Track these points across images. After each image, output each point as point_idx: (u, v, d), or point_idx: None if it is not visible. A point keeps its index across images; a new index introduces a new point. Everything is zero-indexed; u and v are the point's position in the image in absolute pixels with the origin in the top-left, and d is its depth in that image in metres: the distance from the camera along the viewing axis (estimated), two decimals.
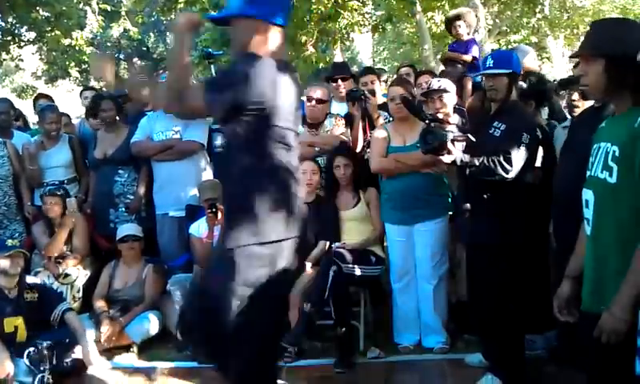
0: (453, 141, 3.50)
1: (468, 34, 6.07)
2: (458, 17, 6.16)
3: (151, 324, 4.50)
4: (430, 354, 4.11)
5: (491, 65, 3.56)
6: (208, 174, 5.11)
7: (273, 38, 2.34)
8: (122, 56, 22.46)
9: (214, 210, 4.45)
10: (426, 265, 4.16)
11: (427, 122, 3.70)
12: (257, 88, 2.21)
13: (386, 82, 5.97)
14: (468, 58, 5.74)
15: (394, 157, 4.14)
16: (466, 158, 3.48)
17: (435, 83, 4.21)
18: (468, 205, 3.82)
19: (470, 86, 5.22)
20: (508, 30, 18.02)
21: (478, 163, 3.44)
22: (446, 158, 3.56)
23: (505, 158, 3.38)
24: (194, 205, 4.83)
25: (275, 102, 2.26)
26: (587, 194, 2.13)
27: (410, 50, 19.85)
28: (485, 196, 3.54)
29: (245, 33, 2.34)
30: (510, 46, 15.40)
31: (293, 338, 4.06)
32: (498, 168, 3.38)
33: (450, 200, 4.28)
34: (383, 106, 4.71)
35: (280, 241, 2.32)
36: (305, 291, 4.11)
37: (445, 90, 4.11)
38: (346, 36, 14.77)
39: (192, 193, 4.93)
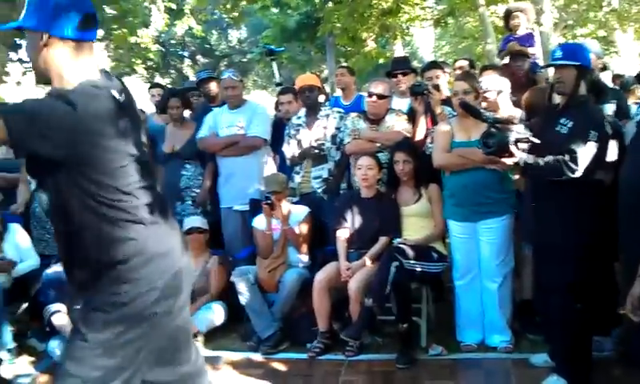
0: (516, 142, 3.43)
1: (526, 28, 5.99)
2: (518, 10, 6.08)
3: (216, 314, 4.62)
4: (494, 353, 4.04)
5: (560, 56, 3.48)
6: (271, 168, 5.20)
7: (65, 55, 1.96)
8: (185, 53, 22.98)
9: (268, 201, 4.54)
10: (491, 263, 4.10)
11: (488, 123, 3.64)
12: (51, 138, 1.82)
13: (449, 74, 5.91)
14: (533, 50, 5.64)
15: (458, 152, 4.10)
16: (530, 159, 3.41)
17: (483, 83, 4.18)
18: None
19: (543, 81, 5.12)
20: (574, 24, 17.49)
21: (542, 164, 3.36)
22: (509, 160, 3.50)
23: (571, 157, 3.29)
24: (258, 199, 4.92)
25: (85, 146, 1.86)
26: None
27: (472, 44, 19.54)
28: (551, 194, 3.47)
29: (32, 47, 1.99)
30: (576, 40, 14.95)
31: (354, 333, 4.09)
32: (564, 168, 3.29)
33: (515, 197, 4.21)
34: (448, 101, 4.66)
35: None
36: (365, 286, 4.13)
37: (487, 90, 4.06)
38: (406, 31, 14.69)
39: (256, 187, 5.05)
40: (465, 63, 6.00)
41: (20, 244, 4.66)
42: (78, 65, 1.98)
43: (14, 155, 1.97)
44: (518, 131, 3.46)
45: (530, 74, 5.17)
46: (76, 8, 1.97)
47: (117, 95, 1.98)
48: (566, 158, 3.29)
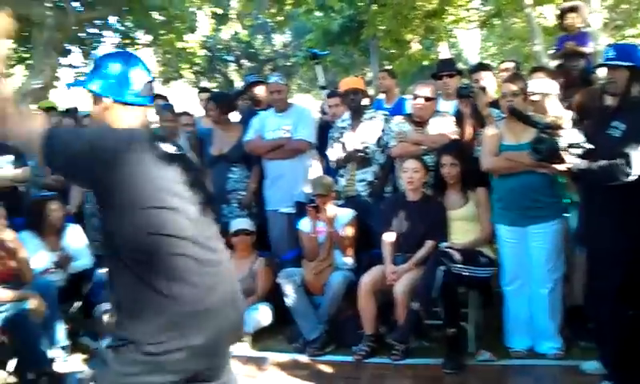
0: (568, 148, 3.36)
1: (580, 27, 5.87)
2: (572, 9, 5.97)
3: (263, 315, 4.67)
4: (544, 360, 3.97)
5: (613, 56, 3.40)
6: (316, 171, 5.22)
7: (122, 116, 2.18)
8: (231, 58, 23.25)
9: (313, 204, 4.58)
10: (541, 269, 4.02)
11: (538, 128, 3.58)
12: (107, 152, 1.98)
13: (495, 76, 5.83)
14: (589, 50, 5.52)
15: (507, 155, 4.04)
16: (583, 164, 3.34)
17: (529, 85, 4.11)
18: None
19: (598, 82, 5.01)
20: (624, 24, 17.01)
21: (596, 168, 3.29)
22: (561, 166, 3.43)
23: (626, 161, 3.21)
24: (303, 201, 4.95)
25: (131, 176, 1.98)
26: None
27: (519, 46, 19.20)
28: (602, 198, 3.39)
29: (95, 105, 2.22)
30: (625, 41, 14.54)
31: (400, 336, 4.07)
32: (619, 172, 3.21)
33: (566, 200, 4.12)
34: (495, 103, 4.59)
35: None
36: (411, 290, 4.11)
37: (533, 92, 4.01)
38: (451, 32, 14.54)
39: (301, 190, 5.08)
40: (510, 65, 5.92)
41: (75, 243, 4.80)
42: (132, 123, 2.19)
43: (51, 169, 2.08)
44: (570, 136, 3.39)
45: (585, 75, 5.07)
46: (138, 77, 2.21)
47: (166, 148, 2.10)
48: (620, 161, 3.21)
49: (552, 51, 6.55)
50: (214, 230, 2.19)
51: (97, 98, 2.20)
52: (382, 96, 6.17)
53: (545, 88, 4.28)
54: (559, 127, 3.57)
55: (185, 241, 2.02)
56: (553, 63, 6.10)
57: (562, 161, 3.38)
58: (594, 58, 6.09)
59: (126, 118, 2.19)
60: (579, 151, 3.37)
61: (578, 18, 5.80)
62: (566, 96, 4.49)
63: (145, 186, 1.99)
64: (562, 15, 6.08)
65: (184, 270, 2.00)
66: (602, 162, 3.26)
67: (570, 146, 3.36)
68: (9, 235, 4.08)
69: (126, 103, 2.19)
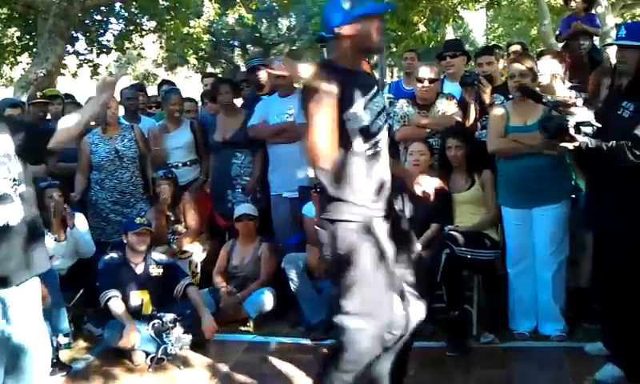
0: (577, 126, 3.31)
1: (585, 9, 5.79)
2: None
3: (266, 300, 4.67)
4: (547, 342, 3.97)
5: (623, 35, 3.34)
6: None
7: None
8: (236, 43, 23.15)
9: (318, 189, 4.54)
10: (545, 250, 4.01)
11: (548, 107, 3.54)
12: None
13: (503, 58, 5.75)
14: (598, 31, 5.46)
15: (513, 137, 4.00)
16: (593, 143, 3.29)
17: (538, 66, 4.08)
18: None
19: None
20: (633, 2, 16.79)
21: (605, 149, 3.24)
22: (570, 145, 3.39)
23: (633, 143, 3.15)
24: (307, 186, 4.92)
25: None
26: None
27: (527, 26, 19.03)
28: (610, 180, 3.34)
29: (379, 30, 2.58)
30: (636, 20, 14.35)
31: None
32: (627, 154, 3.16)
33: (573, 183, 4.09)
34: (503, 87, 4.53)
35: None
36: None
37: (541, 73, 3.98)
38: (457, 13, 14.40)
39: (305, 174, 5.04)
40: (518, 47, 5.85)
41: (79, 231, 4.79)
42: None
43: None
44: (580, 115, 3.34)
45: (592, 55, 5.00)
46: None
47: None
48: (628, 143, 3.15)
49: (558, 32, 6.47)
50: None
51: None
52: (387, 78, 6.14)
53: (552, 68, 4.22)
54: (569, 105, 3.52)
55: None
56: (560, 44, 6.04)
57: (570, 139, 3.32)
58: (601, 39, 6.03)
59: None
60: (589, 130, 3.32)
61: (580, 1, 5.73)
62: (572, 76, 4.44)
63: None
64: None
65: None
66: (611, 143, 3.22)
67: (580, 124, 3.31)
68: None
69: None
